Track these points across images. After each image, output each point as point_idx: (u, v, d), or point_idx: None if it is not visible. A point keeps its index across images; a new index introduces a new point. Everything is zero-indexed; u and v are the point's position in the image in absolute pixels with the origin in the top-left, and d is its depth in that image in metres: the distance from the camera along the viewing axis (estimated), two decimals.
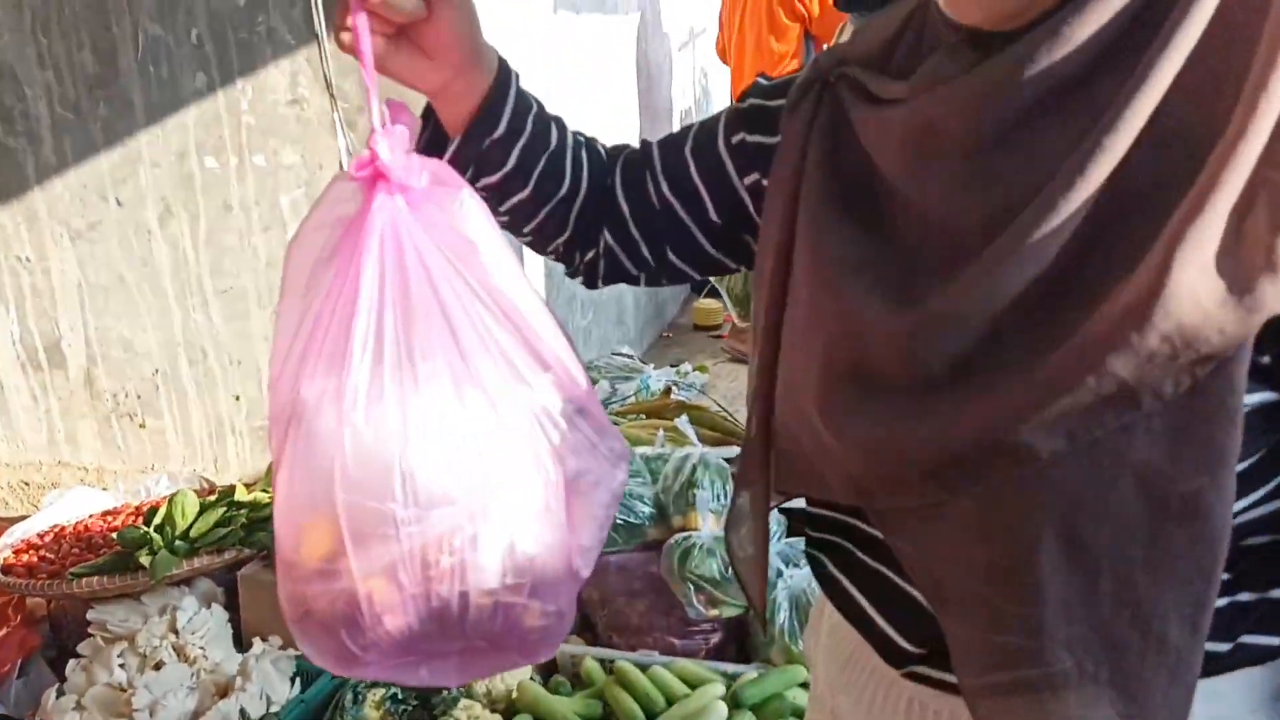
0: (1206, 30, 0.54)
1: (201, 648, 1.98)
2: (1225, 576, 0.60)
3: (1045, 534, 0.58)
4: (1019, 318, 0.59)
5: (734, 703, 1.82)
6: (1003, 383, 0.59)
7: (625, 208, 0.89)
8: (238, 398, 2.85)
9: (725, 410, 2.70)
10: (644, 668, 1.91)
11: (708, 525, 2.05)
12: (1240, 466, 0.56)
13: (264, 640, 2.04)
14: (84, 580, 2.09)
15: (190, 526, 2.18)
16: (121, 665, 1.94)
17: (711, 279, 3.72)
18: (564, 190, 0.88)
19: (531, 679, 1.93)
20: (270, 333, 2.80)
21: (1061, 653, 0.59)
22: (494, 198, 0.86)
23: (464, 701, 1.85)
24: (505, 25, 2.68)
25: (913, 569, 0.67)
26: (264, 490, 2.33)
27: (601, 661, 1.97)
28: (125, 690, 1.89)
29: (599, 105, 3.77)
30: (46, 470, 3.11)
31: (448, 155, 0.82)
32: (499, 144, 0.83)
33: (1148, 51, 0.55)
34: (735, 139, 0.84)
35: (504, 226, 0.88)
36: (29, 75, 2.68)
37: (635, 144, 0.93)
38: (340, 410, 0.66)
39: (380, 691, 1.87)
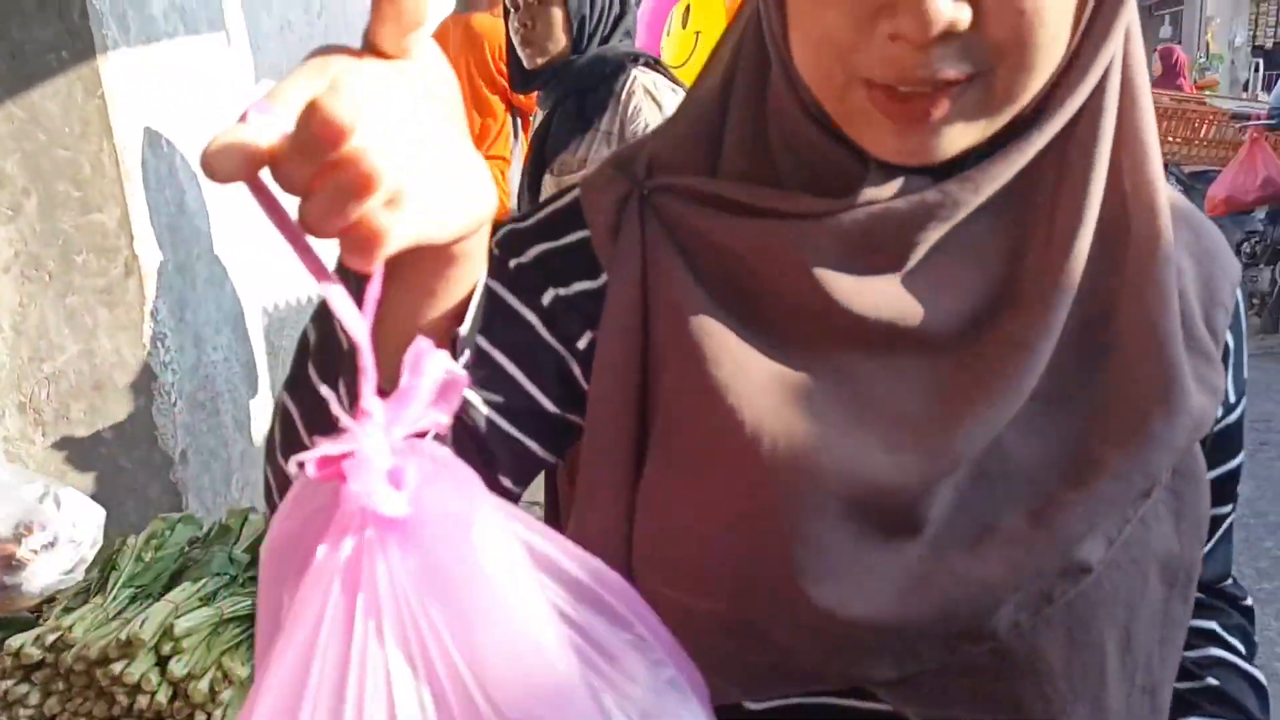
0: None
1: None
2: None
3: (1110, 647, 0.58)
4: (1028, 432, 0.59)
5: None
6: (1055, 503, 0.57)
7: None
8: None
9: None
10: None
11: None
12: None
13: None
14: None
15: None
16: None
17: None
18: None
19: None
20: None
21: None
22: None
23: None
24: (203, 106, 2.41)
25: None
26: None
27: None
28: None
29: None
30: None
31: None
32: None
33: (1079, 158, 0.58)
34: (545, 300, 0.64)
35: None
36: None
37: None
38: None
39: None
